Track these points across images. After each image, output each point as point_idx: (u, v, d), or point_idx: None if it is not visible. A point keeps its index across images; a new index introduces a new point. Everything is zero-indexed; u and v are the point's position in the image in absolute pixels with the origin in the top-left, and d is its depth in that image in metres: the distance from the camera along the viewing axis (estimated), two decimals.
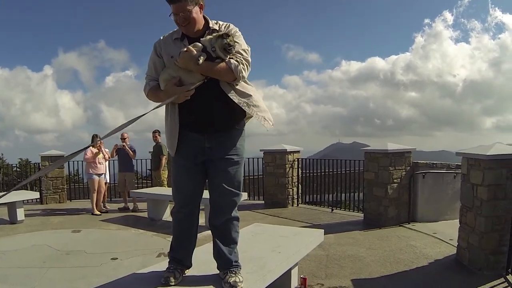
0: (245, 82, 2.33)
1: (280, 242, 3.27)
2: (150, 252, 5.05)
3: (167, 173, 8.56)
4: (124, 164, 8.46)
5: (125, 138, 8.33)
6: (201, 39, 2.21)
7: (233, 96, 2.22)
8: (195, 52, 2.13)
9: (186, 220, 2.42)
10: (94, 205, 7.85)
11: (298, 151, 8.70)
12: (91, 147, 7.84)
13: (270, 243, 3.25)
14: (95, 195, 7.90)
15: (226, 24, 2.33)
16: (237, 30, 2.32)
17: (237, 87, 2.25)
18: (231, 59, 2.17)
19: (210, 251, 2.44)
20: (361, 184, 7.64)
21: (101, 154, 8.02)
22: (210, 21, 2.32)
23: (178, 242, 2.43)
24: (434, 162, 6.76)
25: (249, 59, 2.26)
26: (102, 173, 8.11)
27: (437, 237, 5.57)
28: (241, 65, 2.18)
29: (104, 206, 8.33)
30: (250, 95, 2.27)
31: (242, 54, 2.22)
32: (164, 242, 5.42)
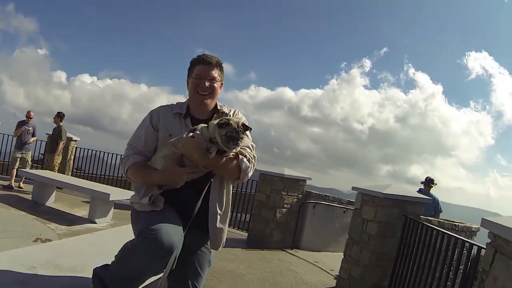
0: None
1: None
2: (28, 236, 4.70)
3: (60, 159, 8.42)
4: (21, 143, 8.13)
5: (31, 118, 8.03)
6: (209, 122, 1.81)
7: (217, 205, 1.90)
8: (203, 143, 1.72)
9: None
10: None
11: None
12: None
13: None
14: None
15: (235, 112, 2.02)
16: (245, 120, 1.97)
17: (225, 192, 1.94)
18: (244, 158, 1.82)
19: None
20: (248, 206, 7.44)
21: None
22: (217, 103, 2.01)
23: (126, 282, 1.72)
24: (327, 194, 6.96)
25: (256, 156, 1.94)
26: None
27: (318, 266, 5.68)
28: (251, 165, 1.84)
29: None
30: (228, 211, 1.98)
31: (252, 151, 1.89)
32: (44, 227, 5.16)
